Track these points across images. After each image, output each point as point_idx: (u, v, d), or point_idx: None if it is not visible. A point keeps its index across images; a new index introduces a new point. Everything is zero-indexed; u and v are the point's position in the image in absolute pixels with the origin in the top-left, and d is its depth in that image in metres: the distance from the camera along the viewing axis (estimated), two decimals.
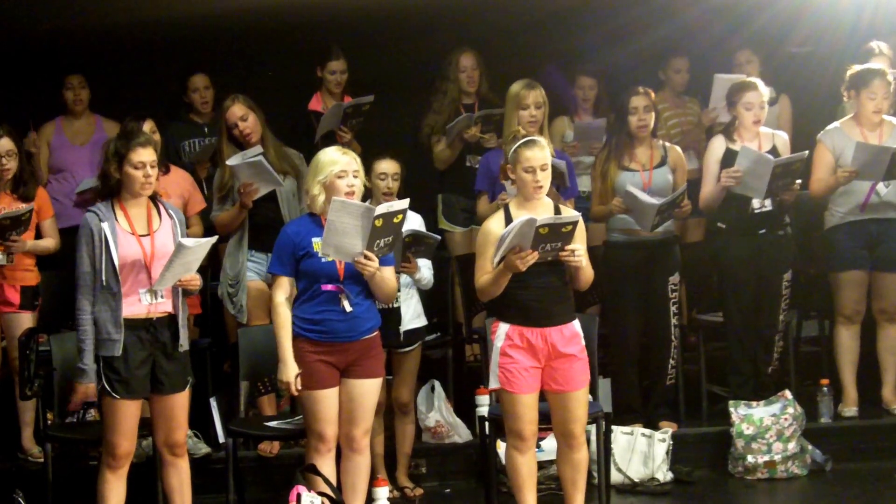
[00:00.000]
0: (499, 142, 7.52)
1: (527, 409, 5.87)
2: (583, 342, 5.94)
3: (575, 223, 5.72)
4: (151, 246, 5.73)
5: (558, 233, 5.68)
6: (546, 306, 5.86)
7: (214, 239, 5.90)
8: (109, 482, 5.77)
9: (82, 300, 5.70)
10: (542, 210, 5.87)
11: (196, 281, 5.79)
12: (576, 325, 5.94)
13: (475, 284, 5.94)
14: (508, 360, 5.85)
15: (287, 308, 5.89)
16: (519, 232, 5.62)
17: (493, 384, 5.92)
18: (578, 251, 5.78)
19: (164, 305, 5.76)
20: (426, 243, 6.56)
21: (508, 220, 5.84)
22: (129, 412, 5.73)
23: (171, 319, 5.79)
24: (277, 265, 5.94)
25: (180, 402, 5.85)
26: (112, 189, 5.77)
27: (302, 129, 7.84)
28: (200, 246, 5.72)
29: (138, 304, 5.70)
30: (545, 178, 5.87)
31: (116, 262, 5.65)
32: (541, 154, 5.86)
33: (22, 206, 7.00)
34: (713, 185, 7.32)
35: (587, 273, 5.91)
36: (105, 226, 5.67)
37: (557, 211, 5.92)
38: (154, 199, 5.86)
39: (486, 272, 5.85)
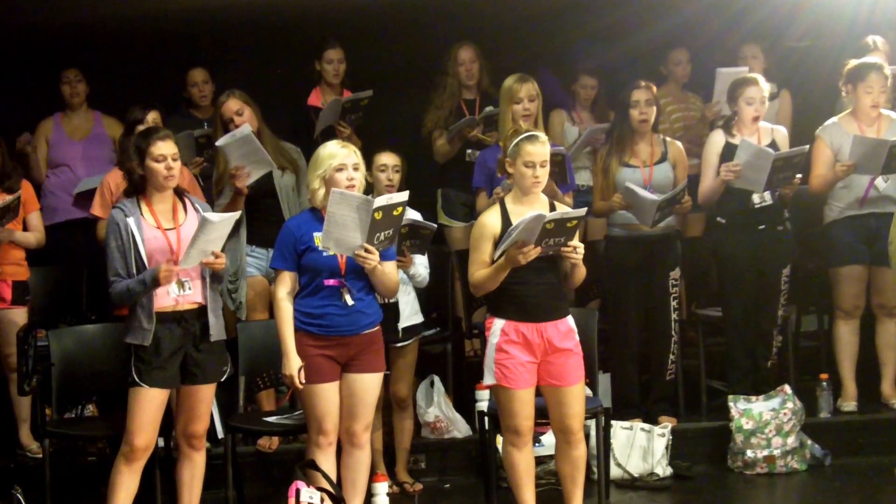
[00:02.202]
0: (496, 137, 7.51)
1: (523, 404, 5.86)
2: (577, 337, 5.94)
3: (580, 218, 5.71)
4: (178, 239, 5.78)
5: (563, 228, 5.68)
6: (542, 302, 5.86)
7: (238, 214, 5.95)
8: (123, 474, 5.78)
9: (115, 282, 5.73)
10: (539, 206, 5.87)
11: (222, 260, 5.81)
12: (569, 320, 5.94)
13: (469, 279, 5.93)
14: (504, 355, 5.84)
15: (289, 303, 5.88)
16: (526, 227, 5.61)
17: (489, 380, 5.92)
18: (580, 248, 5.78)
19: (192, 297, 5.81)
20: (422, 235, 6.53)
21: (504, 214, 5.84)
22: (153, 403, 5.75)
23: (202, 310, 5.83)
24: (279, 260, 5.93)
25: (205, 393, 5.89)
26: (136, 186, 5.84)
27: (301, 125, 7.82)
28: (224, 221, 5.75)
29: (166, 297, 5.75)
30: (544, 175, 5.87)
31: (144, 256, 5.71)
32: (542, 150, 5.85)
33: (7, 197, 6.96)
34: (712, 179, 7.32)
35: (582, 271, 5.91)
36: (131, 221, 5.74)
37: (553, 207, 5.91)
38: (180, 194, 5.91)
39: (480, 266, 5.85)
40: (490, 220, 5.87)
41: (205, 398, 5.90)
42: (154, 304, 5.72)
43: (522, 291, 5.83)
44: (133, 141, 5.94)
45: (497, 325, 5.88)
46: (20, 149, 7.80)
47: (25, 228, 7.19)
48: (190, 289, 5.79)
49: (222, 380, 5.97)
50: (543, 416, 6.01)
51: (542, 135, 5.95)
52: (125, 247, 5.72)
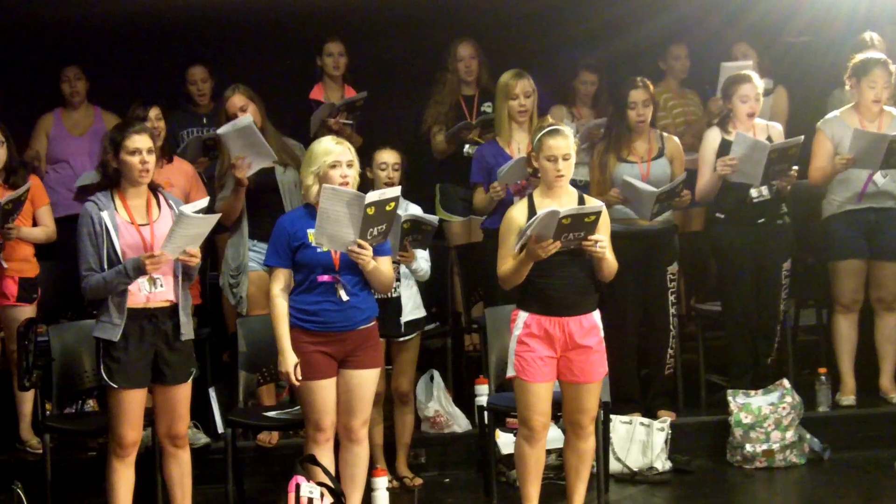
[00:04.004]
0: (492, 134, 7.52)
1: (537, 398, 5.85)
2: (601, 334, 5.93)
3: (598, 213, 5.71)
4: (151, 236, 5.71)
5: (581, 223, 5.67)
6: (567, 296, 5.85)
7: (213, 212, 5.85)
8: (118, 471, 5.77)
9: (89, 276, 5.64)
10: (567, 199, 5.86)
11: (196, 258, 5.72)
12: (595, 316, 5.93)
13: (498, 272, 5.91)
14: (524, 348, 5.85)
15: (284, 300, 5.86)
16: (541, 223, 5.61)
17: (510, 372, 5.92)
18: (601, 242, 5.77)
19: (163, 294, 5.72)
20: (424, 230, 6.54)
21: (531, 208, 5.83)
22: (132, 401, 5.71)
23: (174, 309, 5.77)
24: (274, 257, 5.90)
25: (182, 393, 5.84)
26: (111, 179, 5.76)
27: (303, 121, 7.82)
28: (203, 219, 5.68)
29: (138, 294, 5.67)
30: (567, 168, 5.85)
31: (118, 250, 5.63)
32: (563, 143, 5.84)
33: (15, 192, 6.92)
34: (709, 175, 7.32)
35: (610, 263, 5.89)
36: (105, 215, 5.66)
37: (582, 200, 5.91)
38: (154, 190, 5.85)
39: (507, 260, 5.85)
40: (517, 213, 5.86)
41: (183, 398, 5.84)
42: (126, 300, 5.65)
43: (546, 285, 5.83)
44: (108, 134, 5.86)
45: (521, 318, 5.88)
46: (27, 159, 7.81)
47: (35, 224, 7.18)
48: (162, 286, 5.71)
49: (189, 380, 5.86)
50: (553, 409, 5.98)
51: (564, 128, 5.93)
52: (99, 240, 5.64)
